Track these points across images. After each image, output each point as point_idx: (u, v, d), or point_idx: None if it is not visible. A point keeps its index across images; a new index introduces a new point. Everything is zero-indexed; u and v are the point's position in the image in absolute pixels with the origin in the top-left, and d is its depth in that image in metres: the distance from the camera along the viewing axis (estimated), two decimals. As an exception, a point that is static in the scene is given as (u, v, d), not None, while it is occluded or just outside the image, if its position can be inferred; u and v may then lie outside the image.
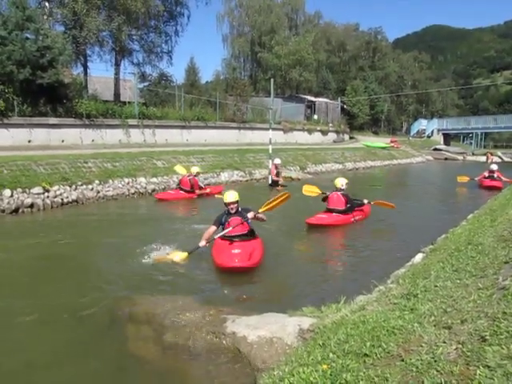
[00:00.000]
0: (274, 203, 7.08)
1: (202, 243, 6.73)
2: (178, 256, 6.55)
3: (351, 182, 10.42)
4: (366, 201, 10.22)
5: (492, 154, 37.01)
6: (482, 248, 4.42)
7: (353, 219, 9.55)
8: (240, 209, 7.00)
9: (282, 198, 7.10)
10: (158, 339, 3.86)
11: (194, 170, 13.38)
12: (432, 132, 47.37)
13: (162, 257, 6.66)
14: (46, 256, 6.89)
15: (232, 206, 6.96)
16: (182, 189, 12.97)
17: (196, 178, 13.17)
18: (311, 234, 8.76)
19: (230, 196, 6.97)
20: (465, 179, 17.89)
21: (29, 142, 15.73)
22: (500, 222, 5.94)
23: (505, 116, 47.47)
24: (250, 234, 6.95)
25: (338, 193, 9.65)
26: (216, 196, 13.08)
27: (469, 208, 10.14)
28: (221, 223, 6.97)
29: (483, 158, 36.48)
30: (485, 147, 49.86)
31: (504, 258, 3.77)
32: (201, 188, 13.32)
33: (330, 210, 9.53)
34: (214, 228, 7.00)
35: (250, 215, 6.83)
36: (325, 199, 9.86)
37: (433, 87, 67.02)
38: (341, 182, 9.76)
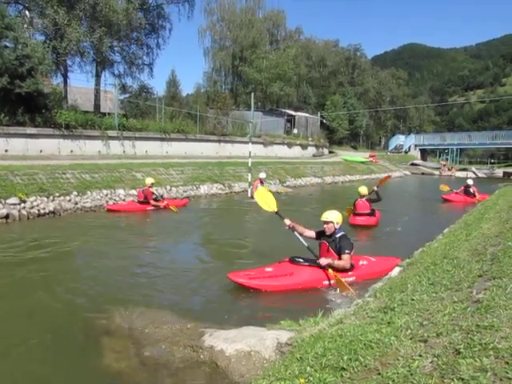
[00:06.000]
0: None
1: (288, 222, 6.37)
2: (272, 205, 6.72)
3: (331, 195, 10.58)
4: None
5: (445, 166, 41.51)
6: (458, 262, 4.51)
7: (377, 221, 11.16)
8: (339, 234, 6.12)
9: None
10: (135, 353, 3.80)
11: (148, 181, 13.21)
12: (409, 147, 48.29)
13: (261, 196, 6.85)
14: (19, 268, 6.73)
15: (324, 225, 6.20)
16: (138, 201, 12.97)
17: (150, 189, 13.00)
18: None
19: (324, 214, 6.23)
20: (446, 188, 19.26)
21: (5, 151, 15.41)
22: (474, 237, 6.07)
23: (478, 133, 48.96)
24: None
25: (364, 199, 11.18)
26: (172, 208, 12.76)
27: (443, 222, 10.33)
28: (318, 239, 6.39)
29: (459, 173, 37.51)
30: (460, 163, 51.08)
31: (478, 271, 3.86)
32: (156, 200, 13.12)
33: (357, 215, 11.10)
34: (312, 233, 6.44)
35: (323, 261, 5.93)
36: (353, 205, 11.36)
37: (410, 103, 68.45)
38: (365, 190, 11.30)
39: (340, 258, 5.98)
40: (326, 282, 5.99)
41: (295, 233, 6.40)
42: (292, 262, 6.16)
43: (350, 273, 6.12)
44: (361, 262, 6.44)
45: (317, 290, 5.93)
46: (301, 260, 6.16)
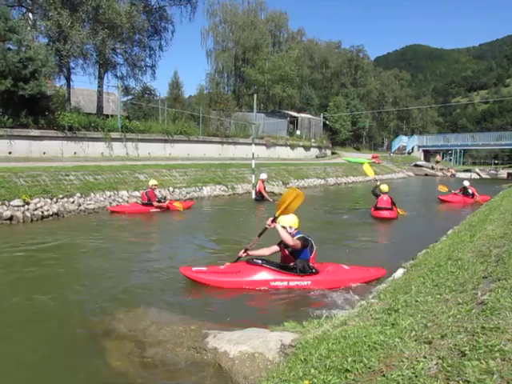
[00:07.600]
0: (286, 204, 6.08)
1: (240, 253, 6.33)
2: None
3: (334, 196, 10.55)
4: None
5: (438, 162, 42.86)
6: (462, 263, 4.49)
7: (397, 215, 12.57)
8: (296, 237, 5.88)
9: (294, 196, 6.10)
10: (139, 355, 3.80)
11: (151, 182, 13.29)
12: (412, 148, 48.12)
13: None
14: (21, 269, 6.73)
15: None
16: (142, 202, 13.03)
17: (153, 190, 13.02)
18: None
19: (280, 219, 6.08)
20: (445, 189, 19.21)
21: (9, 153, 15.48)
22: (479, 238, 6.04)
23: (482, 134, 48.76)
24: (293, 269, 5.90)
25: (387, 195, 12.66)
26: (176, 205, 13.04)
27: (443, 223, 10.29)
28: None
29: (462, 174, 37.41)
30: (464, 164, 51.02)
31: (483, 272, 3.83)
32: (160, 201, 13.13)
33: (379, 209, 12.58)
34: (276, 247, 6.21)
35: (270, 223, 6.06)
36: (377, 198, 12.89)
37: (413, 104, 68.31)
38: (386, 187, 12.92)
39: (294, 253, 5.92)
40: (274, 284, 5.87)
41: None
42: (247, 262, 6.15)
43: (304, 277, 5.91)
44: (328, 268, 6.20)
45: (319, 291, 5.91)
46: (258, 261, 6.06)
